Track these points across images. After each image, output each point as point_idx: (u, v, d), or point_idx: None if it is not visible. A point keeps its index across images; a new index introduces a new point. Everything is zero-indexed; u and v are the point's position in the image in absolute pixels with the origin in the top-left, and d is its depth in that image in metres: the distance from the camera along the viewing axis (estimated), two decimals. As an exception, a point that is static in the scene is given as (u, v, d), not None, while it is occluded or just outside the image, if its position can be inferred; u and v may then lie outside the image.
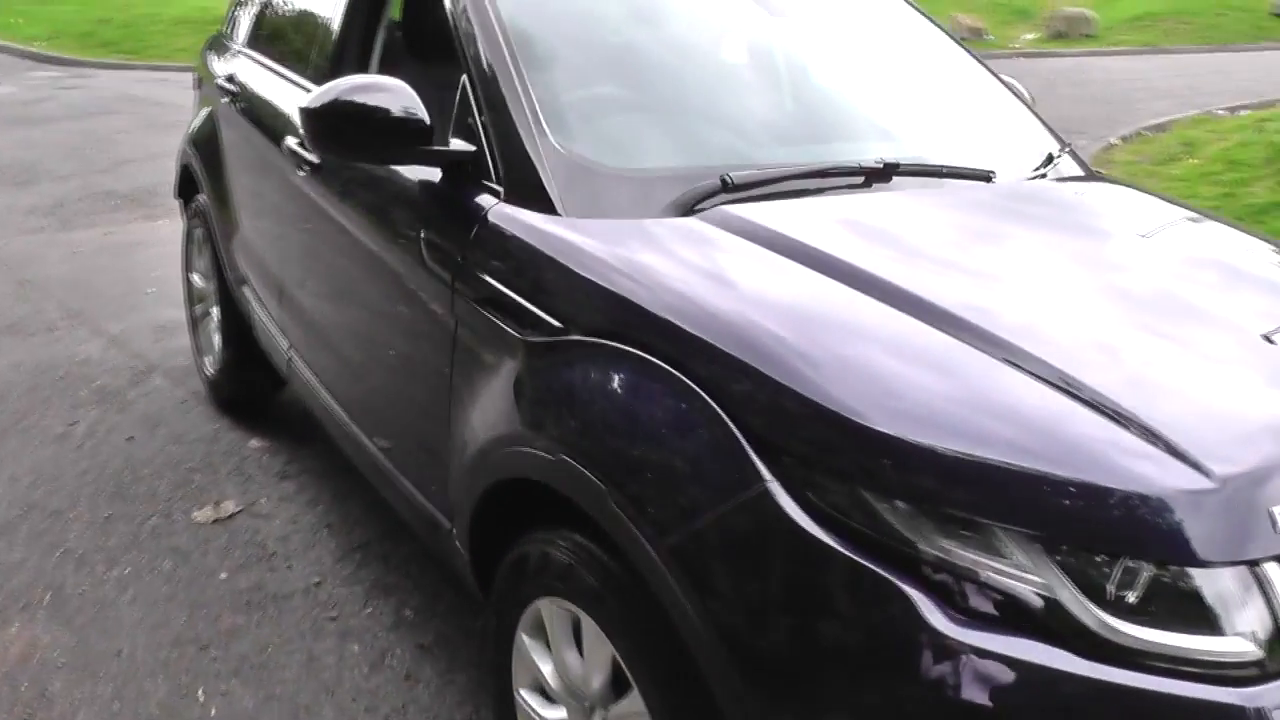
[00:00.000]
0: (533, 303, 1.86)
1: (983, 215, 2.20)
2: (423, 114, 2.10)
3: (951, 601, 1.35)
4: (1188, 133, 9.60)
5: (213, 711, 2.50)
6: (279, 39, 3.47)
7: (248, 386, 3.97)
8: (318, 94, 2.14)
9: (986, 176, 2.38)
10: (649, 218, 1.96)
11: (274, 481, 3.59)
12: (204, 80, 4.14)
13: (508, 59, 2.20)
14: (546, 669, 1.93)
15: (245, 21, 3.89)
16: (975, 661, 1.32)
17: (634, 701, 1.67)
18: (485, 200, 2.09)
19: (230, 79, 3.59)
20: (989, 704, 1.31)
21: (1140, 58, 16.77)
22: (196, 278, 4.21)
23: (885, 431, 1.41)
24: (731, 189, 2.01)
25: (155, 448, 3.79)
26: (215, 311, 3.98)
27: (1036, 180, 2.47)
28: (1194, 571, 1.34)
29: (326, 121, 2.12)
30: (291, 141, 2.84)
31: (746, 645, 1.43)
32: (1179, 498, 1.37)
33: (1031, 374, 1.52)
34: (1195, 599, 1.34)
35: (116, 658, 2.68)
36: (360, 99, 2.09)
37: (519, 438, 1.83)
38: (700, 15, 2.77)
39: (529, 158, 2.06)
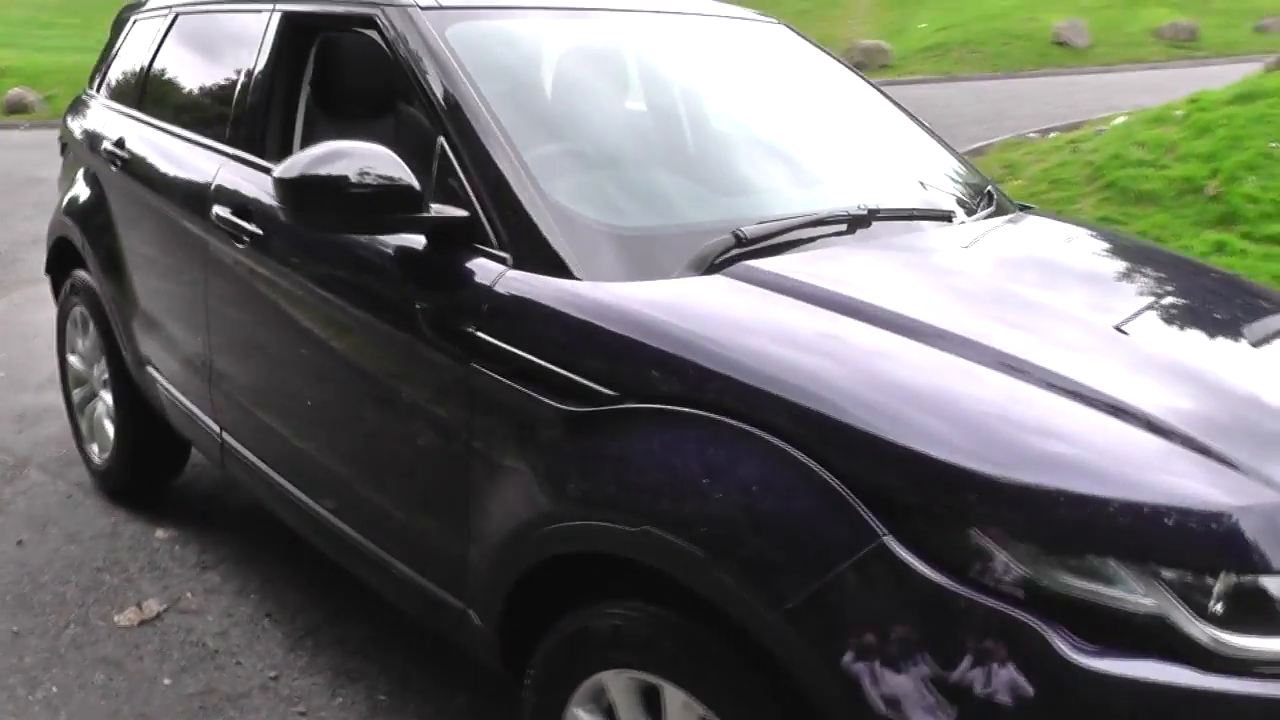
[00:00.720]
0: (575, 372, 1.80)
1: (966, 258, 2.28)
2: (412, 180, 2.03)
3: (1080, 630, 1.38)
4: (1006, 155, 10.20)
5: (198, 833, 2.31)
6: (179, 101, 3.28)
7: (146, 475, 3.71)
8: (293, 163, 2.03)
9: (948, 217, 2.47)
10: (669, 277, 1.94)
11: (194, 573, 3.36)
12: (74, 146, 3.88)
13: (490, 122, 2.15)
14: (608, 744, 1.88)
15: (123, 82, 3.66)
16: (1107, 686, 1.36)
17: (736, 769, 1.63)
18: (489, 267, 2.02)
19: (120, 145, 3.36)
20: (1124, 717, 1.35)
21: (939, 85, 17.77)
22: (76, 360, 3.92)
23: (994, 475, 1.44)
24: (745, 243, 2.02)
25: (50, 549, 3.49)
26: (106, 396, 3.70)
27: (993, 218, 2.58)
28: (1270, 580, 1.42)
29: (305, 192, 2.02)
30: (223, 211, 2.69)
31: (880, 694, 1.43)
32: (1255, 511, 1.45)
33: (1103, 410, 1.58)
34: (1275, 603, 1.42)
35: (68, 787, 2.44)
36: (343, 167, 2.00)
37: (578, 512, 1.77)
38: (650, 70, 2.78)
39: (533, 222, 2.01)
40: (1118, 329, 1.95)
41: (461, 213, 2.09)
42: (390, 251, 2.21)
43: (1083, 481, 1.45)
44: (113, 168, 3.39)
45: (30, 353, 5.48)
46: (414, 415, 2.19)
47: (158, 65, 3.48)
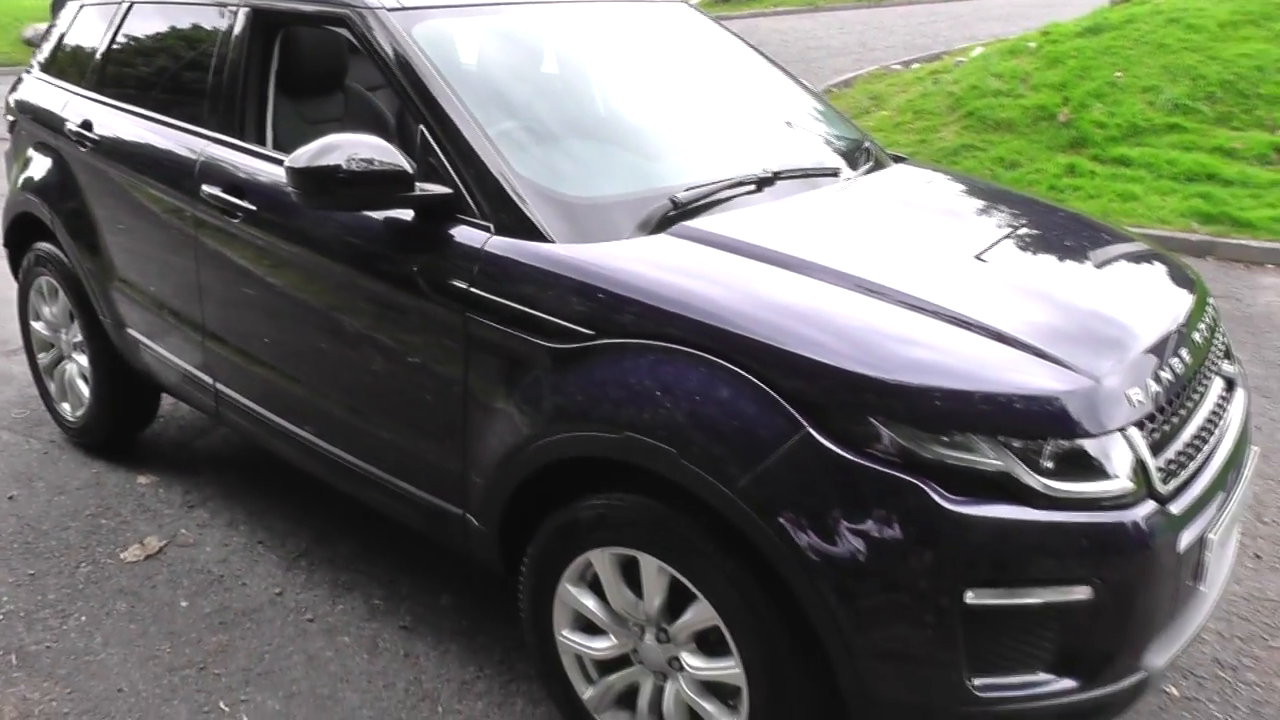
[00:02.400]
0: (559, 317, 2.29)
1: (856, 207, 2.83)
2: (404, 164, 2.46)
3: (948, 485, 1.94)
4: (871, 87, 10.85)
5: (244, 717, 2.76)
6: (146, 87, 3.58)
7: (122, 427, 4.07)
8: (305, 153, 2.44)
9: (834, 173, 3.00)
10: (623, 238, 2.43)
11: (183, 512, 3.76)
12: (26, 126, 4.13)
13: (468, 113, 2.58)
14: (591, 604, 2.39)
15: (80, 65, 3.93)
16: (969, 520, 1.93)
17: (700, 609, 2.18)
18: (475, 234, 2.48)
19: (87, 127, 3.66)
20: (982, 545, 1.94)
21: (804, 16, 18.39)
22: (41, 326, 4.21)
23: (883, 378, 1.99)
24: (679, 207, 2.51)
25: (43, 501, 3.84)
26: (79, 358, 4.03)
27: (876, 173, 3.12)
28: (1089, 440, 2.00)
29: (316, 178, 2.44)
30: (214, 189, 3.06)
31: (812, 543, 1.97)
32: (1074, 394, 2.02)
33: (963, 325, 2.13)
34: (1091, 459, 2.00)
35: (120, 694, 2.86)
36: (349, 156, 2.42)
37: (568, 426, 2.27)
38: (587, 54, 3.23)
39: (510, 197, 2.47)
40: (978, 258, 2.51)
41: (446, 190, 2.53)
42: (382, 222, 2.64)
43: (947, 379, 2.01)
44: (81, 148, 3.69)
45: (-36, 323, 5.66)
46: (413, 357, 2.64)
47: (117, 51, 3.76)
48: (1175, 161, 7.86)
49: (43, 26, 14.89)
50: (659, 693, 2.39)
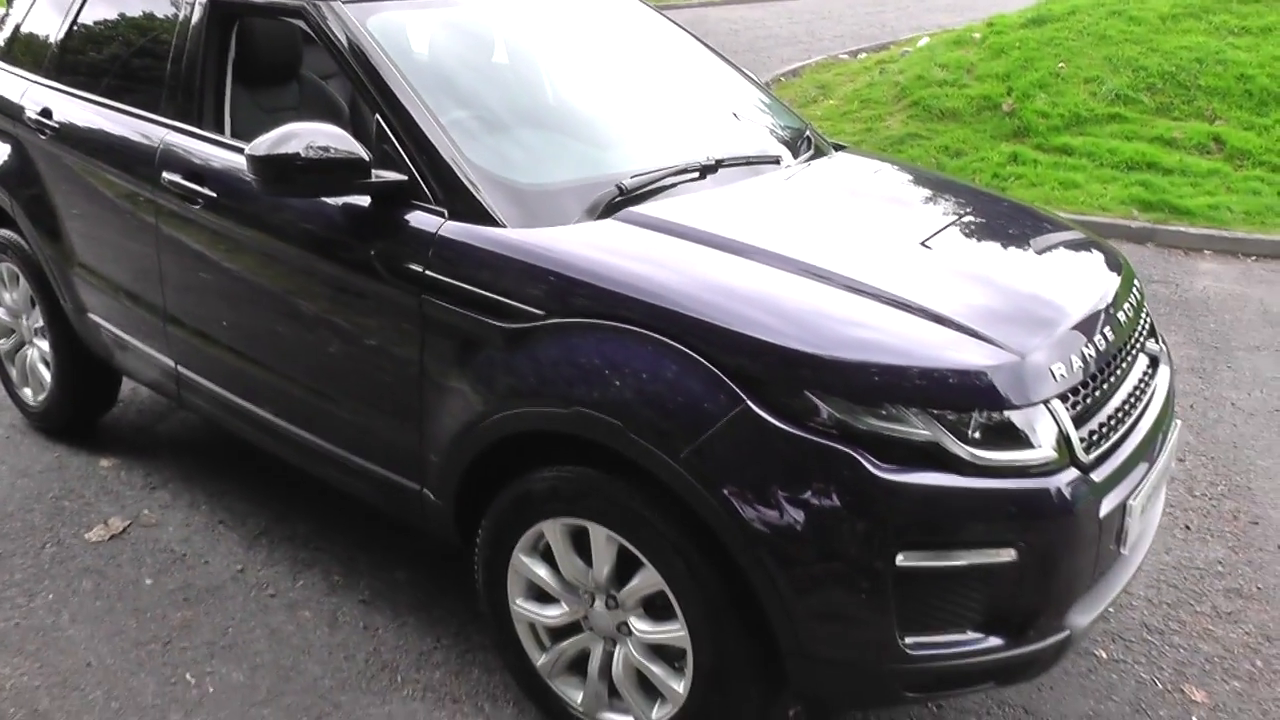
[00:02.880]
0: (512, 298, 2.39)
1: (798, 194, 2.95)
2: (361, 152, 2.55)
3: (879, 455, 2.07)
4: (819, 76, 11.02)
5: (210, 689, 2.85)
6: (104, 74, 3.63)
7: (84, 411, 4.12)
8: (264, 141, 2.52)
9: (776, 160, 3.12)
10: (572, 223, 2.54)
11: (145, 494, 3.82)
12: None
13: (421, 103, 2.67)
14: (543, 573, 2.51)
15: (35, 52, 3.96)
16: (900, 488, 2.06)
17: (646, 575, 2.30)
18: (430, 220, 2.57)
19: (46, 114, 3.70)
20: (912, 510, 2.07)
21: (754, 6, 18.49)
22: (1, 313, 4.25)
23: (818, 354, 2.11)
24: (625, 194, 2.63)
25: (6, 485, 3.88)
26: (40, 344, 4.07)
27: (816, 160, 3.24)
28: (1013, 412, 2.14)
29: (276, 166, 2.52)
30: (174, 176, 3.13)
31: (751, 511, 2.09)
32: (999, 368, 2.16)
33: (896, 305, 2.26)
34: (1016, 429, 2.14)
35: (89, 668, 2.93)
36: (307, 144, 2.50)
37: (520, 402, 2.37)
38: (536, 46, 3.33)
39: (463, 184, 2.56)
40: (922, 244, 2.64)
41: (401, 176, 2.62)
42: (339, 207, 2.72)
43: (879, 355, 2.14)
44: (41, 136, 3.73)
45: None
46: (370, 338, 2.73)
47: (75, 38, 3.80)
48: (1116, 150, 8.09)
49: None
50: (609, 658, 2.51)
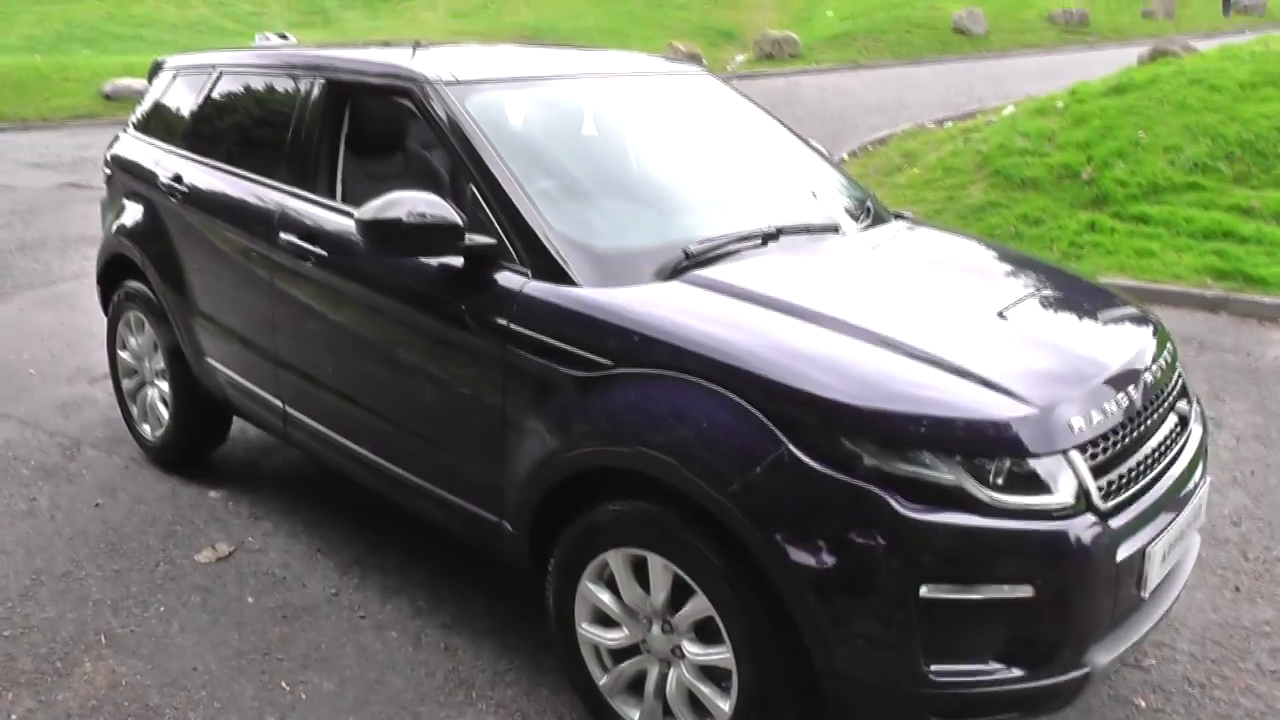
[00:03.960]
0: (583, 349, 2.69)
1: (850, 260, 3.21)
2: (456, 218, 2.88)
3: (907, 496, 2.30)
4: (905, 144, 11.25)
5: (303, 696, 3.15)
6: (232, 145, 4.06)
7: (197, 446, 4.52)
8: (372, 208, 2.87)
9: (835, 228, 3.39)
10: (641, 284, 2.83)
11: (250, 523, 4.18)
12: (120, 178, 4.63)
13: (507, 173, 3.01)
14: (606, 598, 2.77)
15: (171, 125, 4.44)
16: (925, 525, 2.28)
17: (697, 602, 2.55)
18: (514, 278, 2.89)
19: (178, 180, 4.15)
20: (936, 546, 2.29)
21: (844, 74, 18.84)
22: (126, 355, 4.68)
23: (856, 405, 2.36)
24: (691, 258, 2.91)
25: (125, 510, 4.27)
26: (161, 384, 4.49)
27: (873, 229, 3.50)
28: (1033, 460, 2.36)
29: (382, 229, 2.87)
30: (290, 236, 3.51)
31: (789, 542, 2.34)
32: (1020, 420, 2.38)
33: (927, 361, 2.50)
34: (1035, 476, 2.36)
35: (195, 672, 3.26)
36: (409, 210, 2.85)
37: (589, 442, 2.66)
38: (617, 122, 3.67)
39: (545, 248, 2.88)
40: (959, 305, 2.87)
41: (491, 240, 2.95)
42: (436, 266, 3.06)
43: (909, 406, 2.37)
44: (172, 199, 4.17)
45: (51, 351, 6.20)
46: (458, 383, 3.04)
47: (206, 113, 4.26)
48: (1193, 219, 8.15)
49: (122, 82, 15.87)
50: (663, 679, 2.75)
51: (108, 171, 4.82)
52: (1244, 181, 8.53)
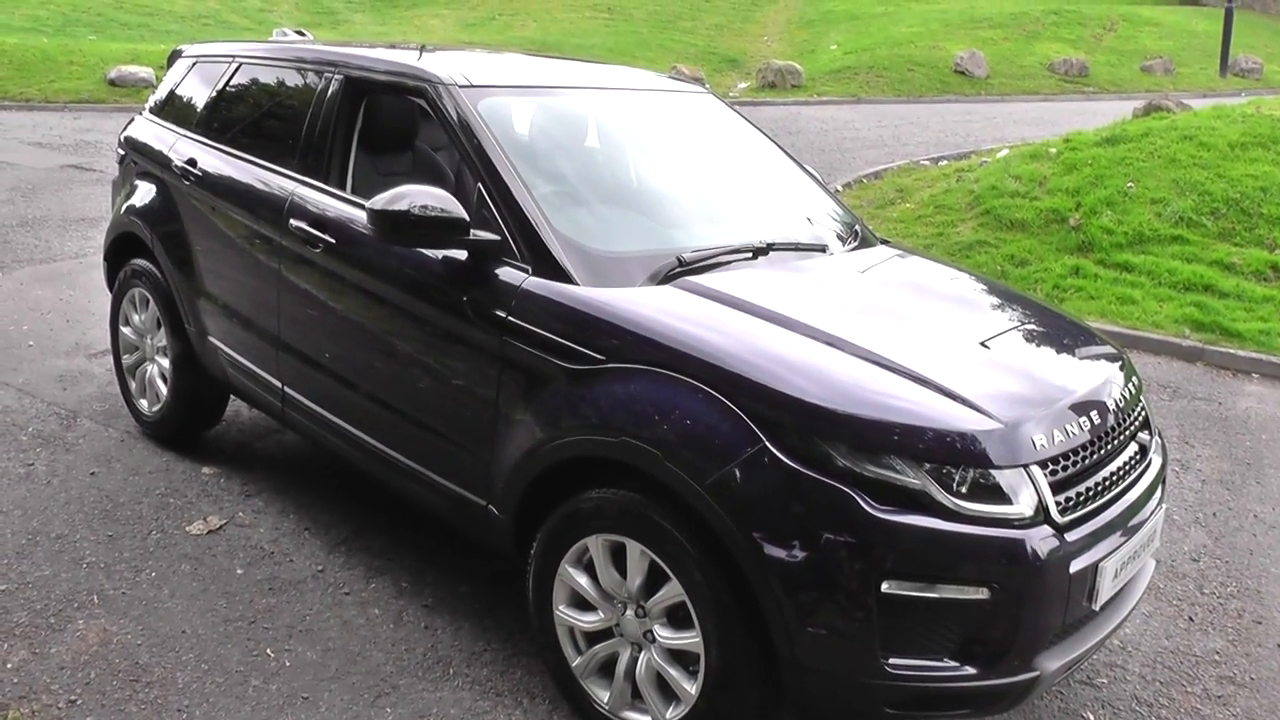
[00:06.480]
0: (578, 344, 2.83)
1: (834, 277, 3.37)
2: (463, 214, 3.03)
3: (876, 497, 2.45)
4: (899, 180, 11.45)
5: (287, 663, 3.27)
6: (248, 133, 4.21)
7: (194, 423, 4.63)
8: (383, 199, 3.02)
9: (823, 248, 3.55)
10: (636, 286, 2.98)
11: (241, 499, 4.30)
12: (135, 160, 4.77)
13: (514, 173, 3.16)
14: (584, 582, 2.90)
15: (188, 111, 4.58)
16: (889, 525, 2.43)
17: (671, 588, 2.68)
18: (515, 274, 3.04)
19: (192, 164, 4.29)
20: (901, 547, 2.43)
21: (845, 107, 19.06)
22: (129, 331, 4.80)
23: (832, 409, 2.51)
24: (684, 265, 3.07)
25: (120, 480, 4.39)
26: (161, 360, 4.61)
27: (859, 251, 3.66)
28: (995, 471, 2.51)
29: (391, 219, 3.01)
30: (300, 223, 3.65)
31: (760, 533, 2.48)
32: (986, 433, 2.53)
33: (900, 373, 2.66)
34: (997, 486, 2.51)
35: (183, 635, 3.38)
36: (420, 204, 2.99)
37: (577, 431, 2.80)
38: (620, 134, 3.82)
39: (546, 247, 3.03)
40: (937, 325, 3.02)
41: (495, 236, 3.10)
42: (440, 259, 3.20)
43: (882, 414, 2.52)
44: (185, 182, 4.31)
45: (49, 325, 6.31)
46: (455, 371, 3.18)
47: (223, 101, 4.40)
48: (1175, 271, 8.34)
49: (127, 69, 15.97)
50: (634, 661, 2.88)
51: (121, 152, 4.96)
52: (1227, 238, 8.74)
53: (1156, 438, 3.26)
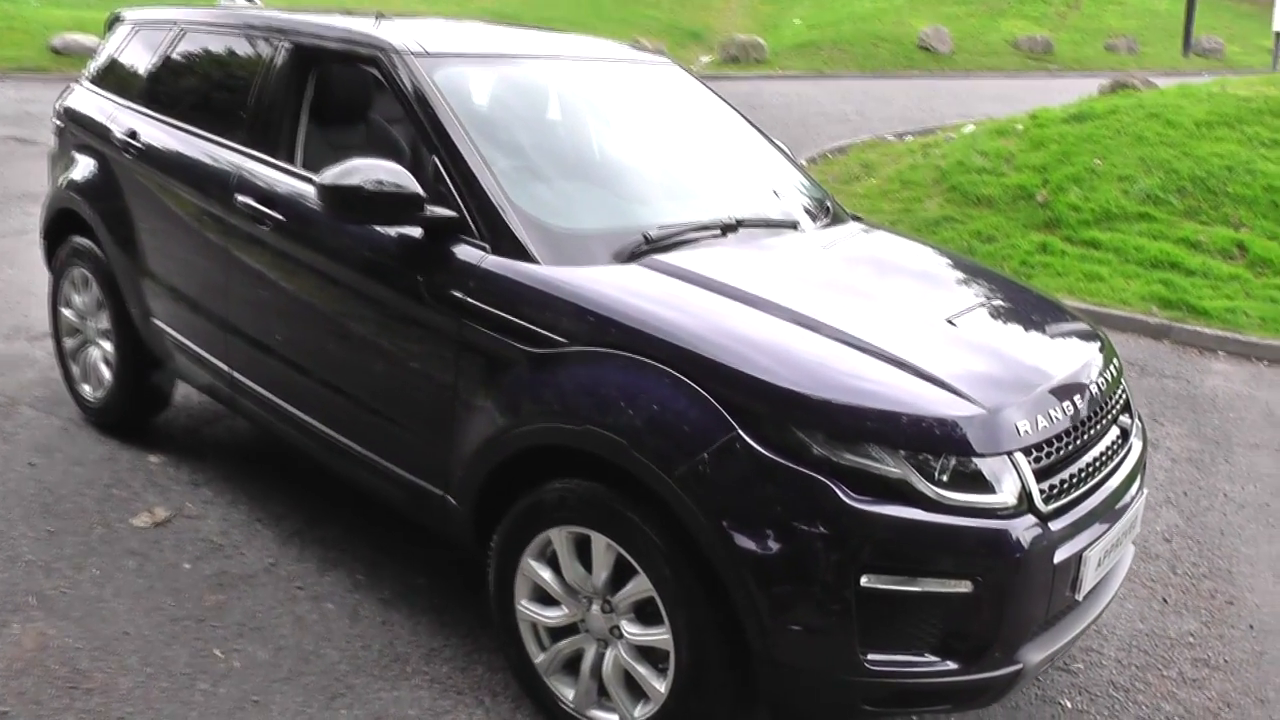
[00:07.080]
0: (539, 326, 2.68)
1: (807, 255, 3.24)
2: (418, 188, 2.87)
3: (854, 487, 2.33)
4: (864, 155, 11.35)
5: (236, 664, 3.11)
6: (191, 104, 4.00)
7: (139, 410, 4.44)
8: (333, 173, 2.85)
9: (794, 225, 3.42)
10: (600, 264, 2.83)
11: (189, 489, 4.12)
12: (73, 131, 4.54)
13: (475, 150, 3.00)
14: (547, 576, 2.76)
15: (129, 80, 4.36)
16: (869, 516, 2.31)
17: (639, 582, 2.55)
18: (474, 253, 2.88)
19: (133, 136, 4.08)
20: (878, 537, 2.31)
21: (809, 82, 18.95)
22: (70, 313, 4.59)
23: (806, 394, 2.38)
24: (651, 243, 2.92)
25: (61, 471, 4.19)
26: (104, 344, 4.41)
27: (831, 228, 3.54)
28: (978, 459, 2.39)
29: (342, 195, 2.84)
30: (247, 199, 3.46)
31: (733, 526, 2.35)
32: (968, 420, 2.42)
33: (880, 357, 2.53)
34: (980, 475, 2.39)
35: (127, 637, 3.20)
36: (374, 178, 2.83)
37: (539, 419, 2.65)
38: (583, 106, 3.66)
39: (506, 224, 2.87)
40: (913, 305, 2.90)
41: (452, 213, 2.94)
42: (394, 236, 3.04)
43: (860, 400, 2.40)
44: (126, 155, 4.10)
45: (-13, 308, 6.06)
46: (410, 355, 3.02)
47: (166, 70, 4.19)
48: (1142, 248, 8.31)
49: (72, 37, 15.49)
50: (600, 658, 2.75)
51: (58, 124, 4.72)
52: (1194, 216, 8.71)
53: (1137, 421, 3.17)
